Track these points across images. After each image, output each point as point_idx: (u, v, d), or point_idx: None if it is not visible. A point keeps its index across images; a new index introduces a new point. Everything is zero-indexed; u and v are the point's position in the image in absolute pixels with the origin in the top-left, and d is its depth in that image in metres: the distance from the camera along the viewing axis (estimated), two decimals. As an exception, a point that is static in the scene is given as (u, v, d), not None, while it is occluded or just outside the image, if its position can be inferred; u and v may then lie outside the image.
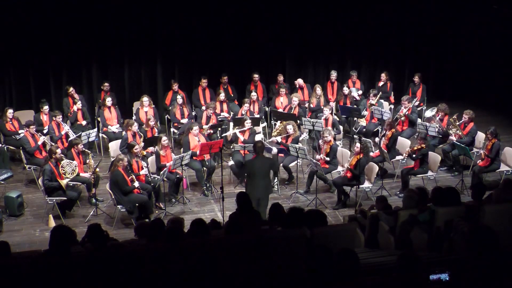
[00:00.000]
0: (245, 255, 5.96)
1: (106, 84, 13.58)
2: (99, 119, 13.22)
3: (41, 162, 10.83)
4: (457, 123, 11.78)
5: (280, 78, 14.28)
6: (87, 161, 10.62)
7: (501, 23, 15.25)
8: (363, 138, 10.96)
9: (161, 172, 10.21)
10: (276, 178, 11.04)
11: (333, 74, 14.50)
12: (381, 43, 15.74)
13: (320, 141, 11.26)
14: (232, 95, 14.22)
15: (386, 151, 11.04)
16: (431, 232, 6.93)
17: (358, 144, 10.35)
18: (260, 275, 5.59)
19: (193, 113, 13.42)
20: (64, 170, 10.05)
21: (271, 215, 7.14)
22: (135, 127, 11.48)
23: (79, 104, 12.72)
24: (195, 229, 6.60)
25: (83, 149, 10.85)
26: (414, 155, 10.81)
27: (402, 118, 12.66)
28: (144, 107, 12.89)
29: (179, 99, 13.04)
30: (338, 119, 13.14)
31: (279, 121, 12.31)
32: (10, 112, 12.13)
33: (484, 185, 8.25)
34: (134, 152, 10.26)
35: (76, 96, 13.02)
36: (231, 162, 11.34)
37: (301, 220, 6.47)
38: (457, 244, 6.32)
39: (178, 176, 10.66)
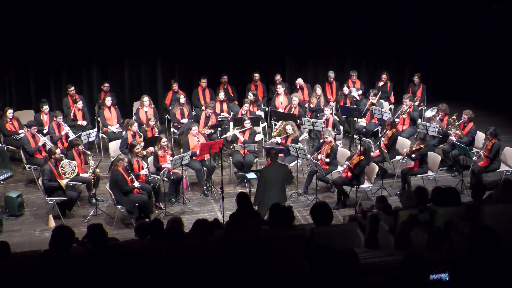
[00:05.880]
0: (245, 255, 5.96)
1: (106, 84, 13.58)
2: (99, 119, 13.22)
3: (41, 162, 10.83)
4: (457, 123, 11.79)
5: (277, 77, 14.22)
6: (88, 161, 10.62)
7: (502, 23, 15.26)
8: (363, 138, 10.96)
9: (161, 172, 10.21)
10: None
11: (331, 75, 14.51)
12: (381, 43, 15.74)
13: (321, 141, 11.26)
14: (232, 95, 14.22)
15: (386, 151, 11.05)
16: (431, 232, 6.93)
17: (359, 147, 10.35)
18: (260, 275, 5.59)
19: (193, 113, 13.42)
20: (64, 170, 10.05)
21: (271, 215, 7.13)
22: (135, 127, 11.47)
23: (79, 104, 12.72)
24: (198, 228, 6.61)
25: (84, 150, 10.85)
26: (413, 155, 10.81)
27: (404, 116, 12.66)
28: (144, 107, 12.89)
29: (182, 99, 13.04)
30: (338, 119, 13.14)
31: (279, 122, 12.30)
32: (10, 112, 12.13)
33: (484, 185, 8.27)
34: (135, 152, 10.26)
35: (76, 96, 13.03)
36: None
37: (291, 220, 6.47)
38: (457, 244, 6.32)
39: (177, 176, 10.65)
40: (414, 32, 15.80)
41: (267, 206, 8.52)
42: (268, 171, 9.52)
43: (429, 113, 12.76)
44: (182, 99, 13.04)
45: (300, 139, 11.86)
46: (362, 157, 10.24)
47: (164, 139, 10.66)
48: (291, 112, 12.82)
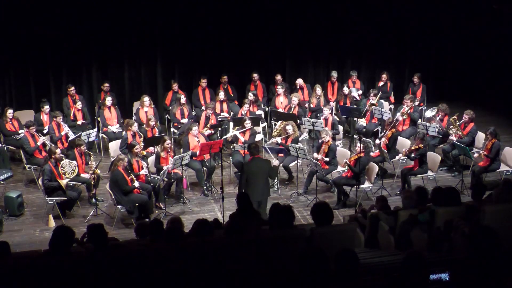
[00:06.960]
0: (245, 255, 5.96)
1: (106, 84, 13.58)
2: (99, 119, 13.22)
3: (41, 162, 10.83)
4: (458, 123, 11.79)
5: (278, 77, 14.23)
6: (89, 162, 10.62)
7: (501, 23, 15.25)
8: (363, 138, 10.96)
9: (161, 172, 10.21)
10: (276, 178, 11.02)
11: (334, 75, 14.51)
12: (381, 43, 15.74)
13: (319, 141, 11.27)
14: (232, 95, 14.22)
15: (386, 151, 11.05)
16: (431, 232, 6.93)
17: (359, 144, 10.36)
18: (260, 275, 5.59)
19: (193, 113, 13.42)
20: (64, 170, 10.05)
21: (271, 215, 7.13)
22: (135, 127, 11.47)
23: (78, 105, 12.72)
24: (198, 228, 6.60)
25: (86, 150, 10.86)
26: (412, 155, 10.80)
27: (404, 117, 12.66)
28: (145, 107, 12.89)
29: (182, 99, 13.03)
30: (338, 119, 13.13)
31: (279, 122, 12.30)
32: (10, 112, 12.12)
33: (484, 185, 8.26)
34: (135, 152, 10.26)
35: (76, 96, 13.04)
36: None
37: (291, 219, 6.47)
38: (457, 244, 6.32)
39: (177, 177, 10.65)
40: (414, 32, 15.80)
41: (252, 201, 8.48)
42: (250, 166, 9.52)
43: (429, 113, 12.76)
44: (183, 99, 13.04)
45: (300, 139, 11.85)
46: (361, 155, 10.24)
47: (168, 141, 10.62)
48: (291, 112, 12.82)
